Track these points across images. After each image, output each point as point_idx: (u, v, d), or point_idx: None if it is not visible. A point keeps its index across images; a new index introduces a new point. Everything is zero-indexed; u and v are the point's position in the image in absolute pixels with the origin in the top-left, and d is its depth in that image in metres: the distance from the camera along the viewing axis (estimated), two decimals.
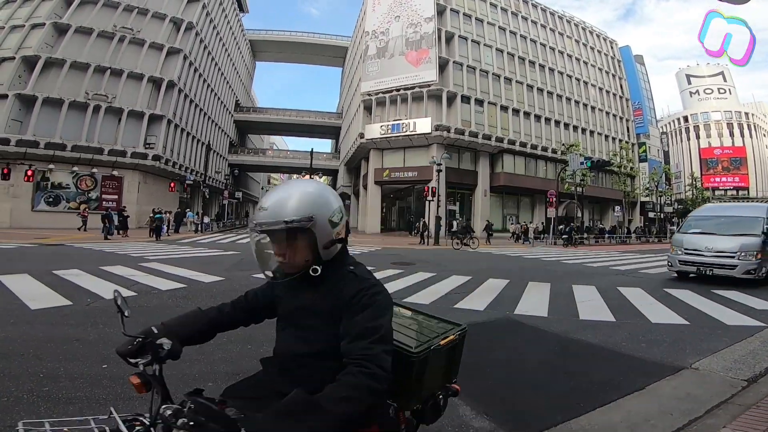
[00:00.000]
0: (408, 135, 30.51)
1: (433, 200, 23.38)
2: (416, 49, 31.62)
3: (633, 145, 46.44)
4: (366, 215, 35.13)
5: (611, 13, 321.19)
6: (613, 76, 46.87)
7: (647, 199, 46.09)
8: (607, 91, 45.03)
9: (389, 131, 31.13)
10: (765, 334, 4.87)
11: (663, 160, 52.63)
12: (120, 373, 3.56)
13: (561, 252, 19.83)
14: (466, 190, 33.71)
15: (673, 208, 47.57)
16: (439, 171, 23.92)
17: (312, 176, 42.70)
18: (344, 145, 47.99)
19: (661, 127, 66.01)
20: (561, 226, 27.97)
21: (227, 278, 8.90)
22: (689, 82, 75.67)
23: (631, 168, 42.54)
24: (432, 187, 23.32)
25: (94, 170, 28.25)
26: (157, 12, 31.97)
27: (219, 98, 45.03)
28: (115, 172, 28.94)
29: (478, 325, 5.15)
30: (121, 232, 21.08)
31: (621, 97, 46.87)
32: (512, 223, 32.22)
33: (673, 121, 76.88)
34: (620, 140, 43.78)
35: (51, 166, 26.93)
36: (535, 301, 6.78)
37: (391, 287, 8.03)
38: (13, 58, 26.89)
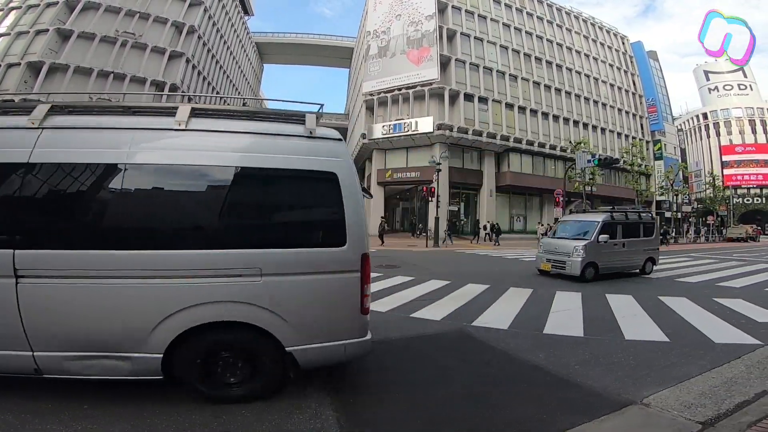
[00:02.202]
0: (410, 135, 29.86)
1: (432, 201, 22.70)
2: (417, 47, 30.97)
3: (647, 142, 44.84)
4: (369, 216, 34.58)
5: (630, 9, 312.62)
6: (625, 72, 45.31)
7: (663, 198, 44.35)
8: (619, 88, 43.53)
9: (391, 131, 30.54)
10: (755, 357, 4.11)
11: (680, 158, 50.64)
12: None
13: None
14: (471, 190, 32.85)
15: (693, 208, 45.55)
16: (438, 170, 23.21)
17: None
18: (350, 146, 47.62)
19: (679, 125, 63.73)
20: None
21: None
22: (708, 79, 73.05)
23: (645, 166, 40.97)
24: (431, 188, 22.63)
25: None
26: (158, 16, 32.09)
27: (225, 101, 45.18)
28: None
29: (421, 339, 4.60)
30: None
31: (634, 94, 45.27)
32: (540, 223, 30.85)
33: (692, 118, 74.30)
34: (633, 137, 42.25)
35: None
36: (502, 311, 6.15)
37: None
38: (19, 64, 27.33)
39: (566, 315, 6.01)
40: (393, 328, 5.13)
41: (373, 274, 9.70)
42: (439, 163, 23.27)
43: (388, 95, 31.86)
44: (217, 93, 42.00)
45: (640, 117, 45.15)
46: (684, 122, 72.31)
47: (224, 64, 43.19)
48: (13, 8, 30.31)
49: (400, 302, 6.66)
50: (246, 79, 54.00)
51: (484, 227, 27.77)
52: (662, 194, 42.99)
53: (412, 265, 12.40)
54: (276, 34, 59.04)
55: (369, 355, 3.22)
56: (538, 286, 8.54)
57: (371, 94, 32.74)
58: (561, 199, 25.74)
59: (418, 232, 26.46)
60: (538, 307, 6.45)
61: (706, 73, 72.87)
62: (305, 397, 3.00)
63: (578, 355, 4.09)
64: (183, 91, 32.93)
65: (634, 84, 45.80)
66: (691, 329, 5.27)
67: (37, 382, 2.84)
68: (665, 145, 46.50)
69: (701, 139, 72.16)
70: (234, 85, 48.12)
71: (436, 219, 22.70)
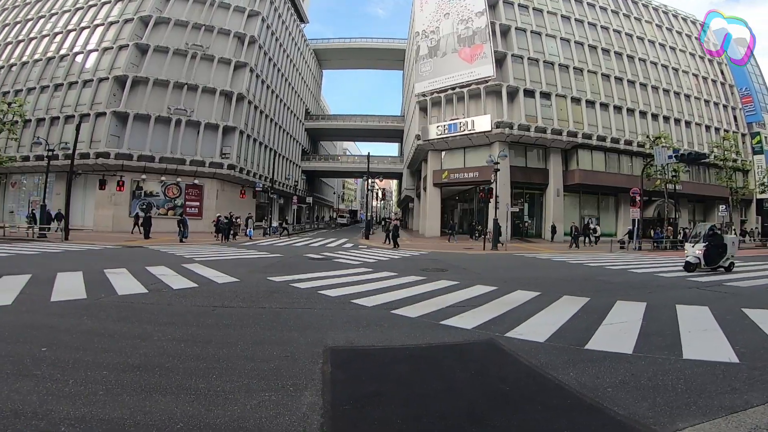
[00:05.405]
0: (466, 134, 29.12)
1: (491, 202, 21.93)
2: (469, 45, 30.14)
3: (743, 135, 39.55)
4: (425, 218, 34.31)
5: None
6: (710, 61, 40.47)
7: (766, 196, 38.77)
8: (704, 78, 38.95)
9: (446, 131, 30.03)
10: None
11: None
12: (52, 356, 3.75)
13: (640, 258, 16.89)
14: (536, 190, 31.18)
15: None
16: (496, 170, 22.34)
17: (372, 180, 43.02)
18: (406, 147, 47.72)
19: None
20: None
21: (242, 280, 9.04)
22: None
23: (741, 161, 36.14)
24: (489, 189, 21.85)
25: (179, 179, 31.21)
26: (221, 28, 34.23)
27: (288, 108, 47.50)
28: (196, 181, 31.64)
29: (442, 348, 4.38)
30: (229, 236, 22.86)
31: (723, 84, 40.24)
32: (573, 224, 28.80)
33: None
34: (725, 130, 37.47)
35: (143, 176, 30.31)
36: (545, 321, 5.69)
37: (392, 296, 7.45)
38: (107, 78, 30.52)
39: (620, 328, 5.40)
40: (418, 335, 4.97)
41: (415, 278, 9.74)
42: (497, 163, 22.42)
43: (442, 95, 31.41)
44: (281, 100, 44.33)
45: (732, 108, 40.01)
46: None
47: (285, 72, 45.42)
48: (97, 25, 33.69)
49: (434, 308, 6.45)
50: (307, 85, 56.33)
51: (516, 227, 26.35)
52: (764, 192, 37.65)
53: (462, 269, 12.04)
54: (332, 40, 61.06)
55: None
56: (596, 295, 7.81)
57: (424, 95, 32.51)
58: (638, 198, 23.53)
59: (476, 234, 25.76)
60: (589, 319, 5.85)
61: None
62: (299, 401, 3.04)
63: (616, 375, 3.61)
64: (250, 100, 35.17)
65: (722, 73, 40.84)
66: None
67: None
68: (766, 137, 40.62)
69: None
70: (296, 91, 50.39)
71: (495, 220, 21.91)
